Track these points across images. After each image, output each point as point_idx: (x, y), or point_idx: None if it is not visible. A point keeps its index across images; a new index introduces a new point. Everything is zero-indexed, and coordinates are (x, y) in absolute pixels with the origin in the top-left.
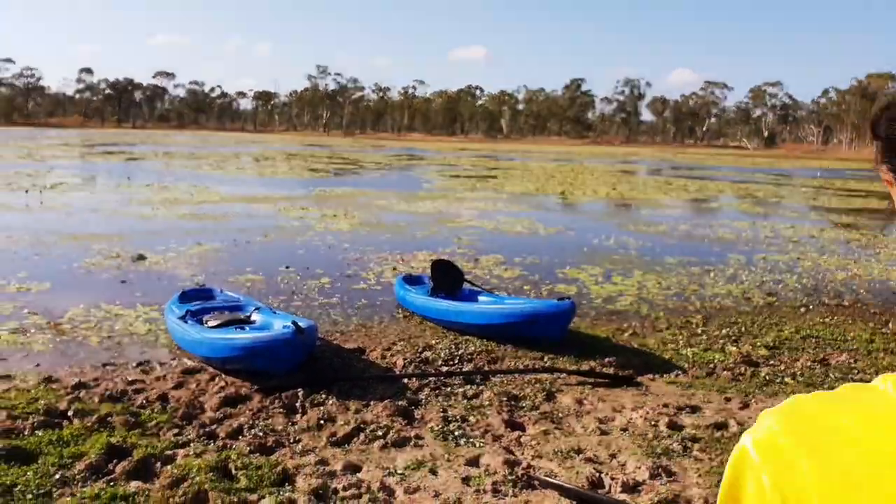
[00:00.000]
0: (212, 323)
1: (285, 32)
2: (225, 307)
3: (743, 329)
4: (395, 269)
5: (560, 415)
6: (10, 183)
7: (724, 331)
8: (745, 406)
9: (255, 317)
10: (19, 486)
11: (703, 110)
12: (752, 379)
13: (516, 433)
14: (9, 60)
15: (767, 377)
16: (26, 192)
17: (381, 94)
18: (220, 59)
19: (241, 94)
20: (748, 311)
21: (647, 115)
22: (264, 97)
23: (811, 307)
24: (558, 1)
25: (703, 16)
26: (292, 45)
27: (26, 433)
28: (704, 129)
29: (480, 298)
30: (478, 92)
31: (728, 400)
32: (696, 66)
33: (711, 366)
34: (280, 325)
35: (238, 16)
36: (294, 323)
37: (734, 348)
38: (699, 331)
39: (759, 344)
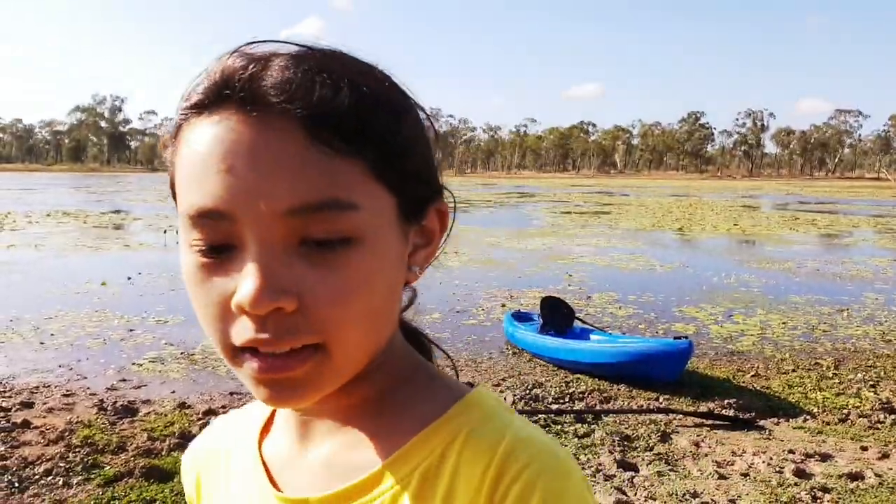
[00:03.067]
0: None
1: (400, 76)
2: None
3: (882, 373)
4: (503, 305)
5: (675, 457)
6: (150, 224)
7: (859, 375)
8: (885, 456)
9: None
10: (158, 502)
11: (835, 140)
12: (893, 427)
13: (629, 473)
14: (151, 112)
15: None
16: (164, 232)
17: (491, 133)
18: None
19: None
20: (888, 354)
21: (770, 148)
22: None
23: None
24: (674, 35)
25: (833, 40)
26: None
27: (163, 454)
28: (837, 160)
29: (592, 337)
30: (590, 128)
31: (864, 449)
32: (828, 94)
33: (845, 412)
34: None
35: None
36: None
37: (871, 394)
38: (830, 374)
39: None
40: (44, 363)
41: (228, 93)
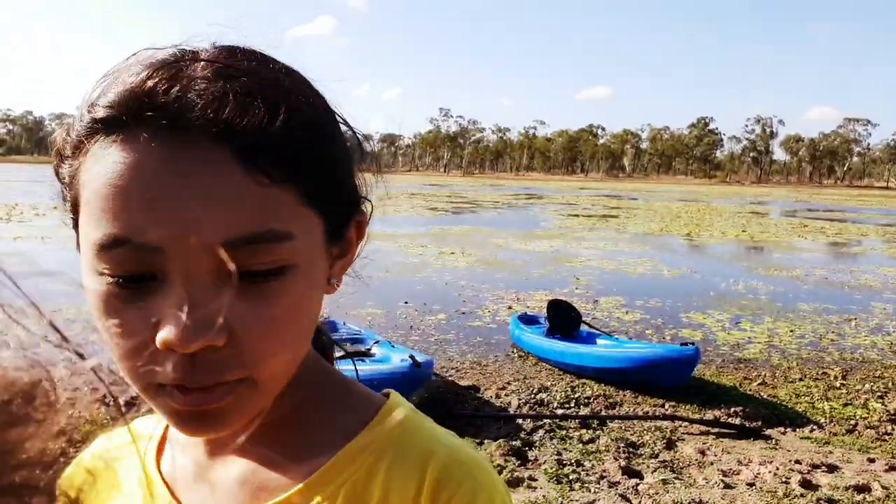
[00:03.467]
0: (335, 355)
1: (412, 77)
2: (347, 339)
3: (890, 384)
4: (510, 307)
5: (681, 464)
6: None
7: (867, 385)
8: (892, 468)
9: (374, 350)
10: None
11: (843, 148)
12: None
13: (633, 480)
14: None
15: None
16: None
17: (500, 134)
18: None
19: (367, 137)
20: None
21: (779, 154)
22: (389, 139)
23: None
24: (685, 41)
25: (843, 49)
26: (418, 90)
27: None
28: (846, 168)
29: (599, 341)
30: (599, 131)
31: (872, 461)
32: (837, 102)
33: (852, 422)
34: (398, 359)
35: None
36: (412, 357)
37: (879, 405)
38: (838, 384)
39: None
40: (47, 355)
41: (151, 114)
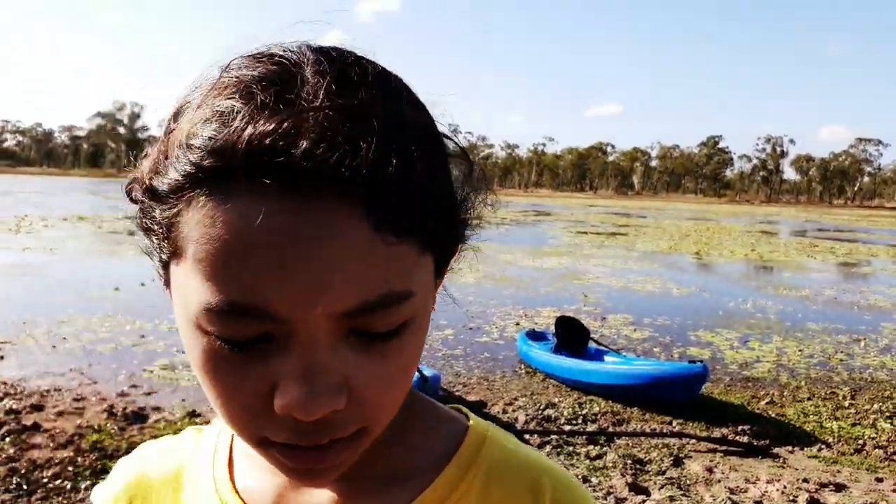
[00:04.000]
0: None
1: (419, 94)
2: None
3: None
4: (518, 323)
5: (688, 482)
6: None
7: (875, 405)
8: None
9: None
10: None
11: (854, 168)
12: None
13: (640, 497)
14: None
15: None
16: None
17: (509, 150)
18: None
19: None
20: None
21: (790, 174)
22: None
23: None
24: (697, 59)
25: (856, 68)
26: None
27: None
28: (856, 188)
29: (607, 358)
30: (609, 148)
31: (880, 481)
32: (849, 121)
33: (861, 442)
34: None
35: None
36: (419, 372)
37: (888, 425)
38: (846, 403)
39: None
40: (55, 366)
41: (271, 168)
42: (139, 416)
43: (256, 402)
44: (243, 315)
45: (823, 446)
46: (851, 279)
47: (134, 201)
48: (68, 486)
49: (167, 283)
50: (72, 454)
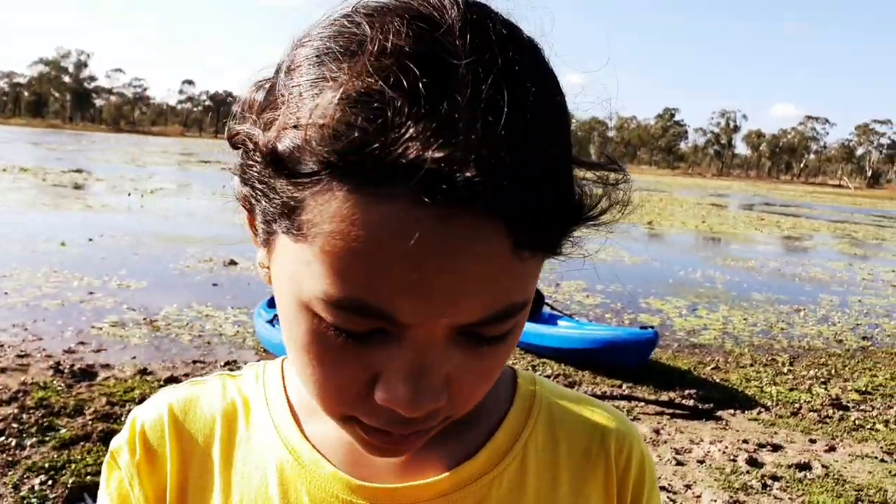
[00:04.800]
0: None
1: None
2: None
3: (833, 371)
4: None
5: None
6: (114, 186)
7: (812, 371)
8: (832, 449)
9: None
10: None
11: (802, 146)
12: (840, 423)
13: None
14: (119, 70)
15: (857, 422)
16: (129, 195)
17: None
18: None
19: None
20: (839, 353)
21: (742, 149)
22: None
23: None
24: (657, 33)
25: (809, 48)
26: None
27: (123, 419)
28: (802, 165)
29: (560, 323)
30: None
31: (813, 442)
32: (799, 101)
33: (797, 406)
34: None
35: None
36: None
37: (822, 390)
38: (785, 370)
39: (849, 388)
40: None
41: (419, 174)
42: (87, 374)
43: (355, 386)
44: (365, 314)
45: (763, 409)
46: (794, 252)
47: (235, 147)
48: (13, 443)
49: (266, 244)
50: (16, 411)
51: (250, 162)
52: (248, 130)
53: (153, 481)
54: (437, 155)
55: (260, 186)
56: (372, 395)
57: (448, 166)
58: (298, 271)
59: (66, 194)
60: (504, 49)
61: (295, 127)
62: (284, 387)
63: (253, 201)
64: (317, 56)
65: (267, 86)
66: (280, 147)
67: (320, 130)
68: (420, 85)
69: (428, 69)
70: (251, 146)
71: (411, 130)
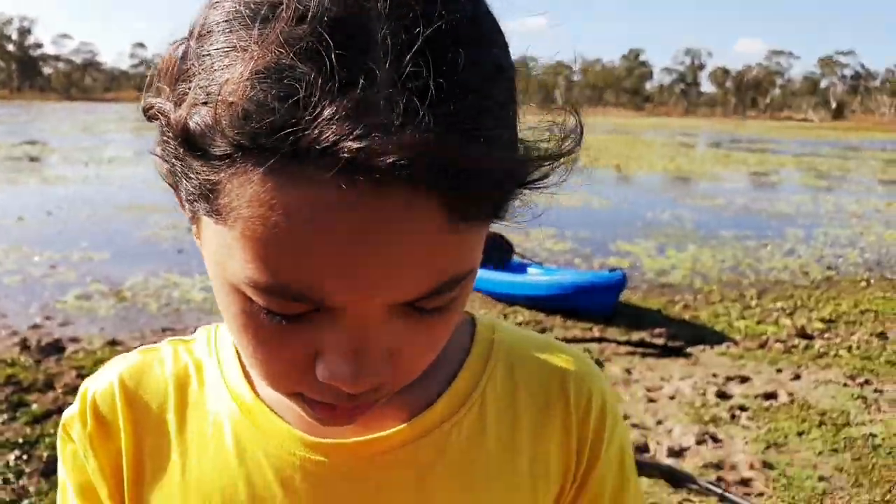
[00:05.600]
0: None
1: None
2: None
3: (799, 303)
4: None
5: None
6: (69, 157)
7: (778, 304)
8: (797, 377)
9: None
10: None
11: (767, 81)
12: (805, 351)
13: None
14: (66, 36)
15: (822, 350)
16: (85, 165)
17: None
18: None
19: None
20: (805, 285)
21: (707, 87)
22: None
23: (872, 282)
24: None
25: None
26: None
27: None
28: (767, 100)
29: (530, 270)
30: (531, 63)
31: (779, 371)
32: (764, 35)
33: (764, 338)
34: None
35: None
36: None
37: (789, 321)
38: (753, 304)
39: (814, 318)
40: None
41: (339, 153)
42: (55, 348)
43: (296, 365)
44: (293, 298)
45: (731, 344)
46: (761, 188)
47: (151, 120)
48: None
49: (193, 222)
50: None
51: (166, 139)
52: (161, 105)
53: (107, 451)
54: (356, 145)
55: (178, 165)
56: (314, 371)
57: (368, 153)
58: (223, 255)
59: (20, 168)
60: (431, 5)
61: (205, 104)
62: (236, 348)
63: (175, 179)
64: (227, 21)
65: (181, 52)
66: (191, 126)
67: (230, 109)
68: (334, 57)
69: (345, 37)
70: (164, 122)
71: (327, 111)
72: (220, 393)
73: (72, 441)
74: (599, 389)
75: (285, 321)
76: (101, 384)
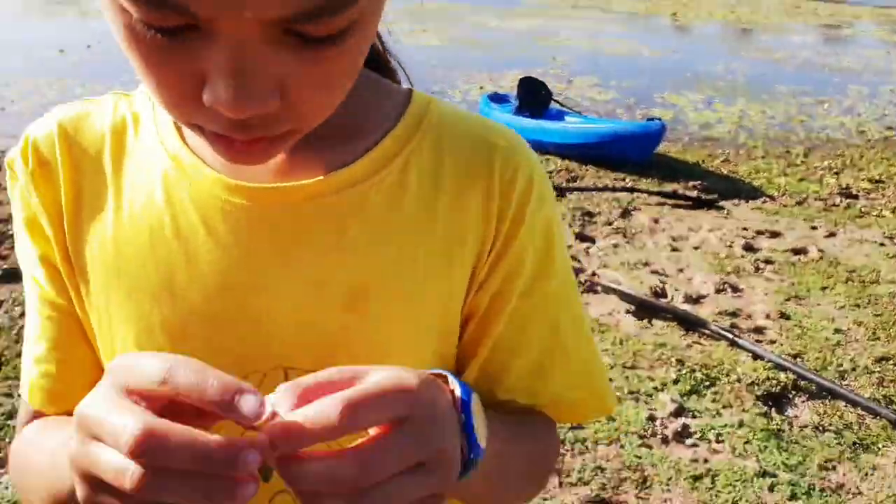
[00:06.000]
0: None
1: None
2: None
3: (848, 162)
4: (482, 87)
5: (633, 231)
6: None
7: (826, 162)
8: (832, 235)
9: None
10: None
11: None
12: (845, 210)
13: (585, 244)
14: None
15: (864, 209)
16: None
17: None
18: None
19: None
20: (859, 144)
21: None
22: None
23: None
24: None
25: None
26: None
27: None
28: None
29: (567, 118)
30: None
31: (814, 228)
32: None
33: (804, 195)
34: None
35: None
36: None
37: (833, 180)
38: (798, 161)
39: (862, 177)
40: (6, 128)
41: None
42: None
43: (186, 89)
44: (161, 6)
45: (768, 199)
46: (829, 42)
47: None
48: None
49: None
50: None
51: None
52: None
53: (47, 189)
54: None
55: None
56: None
57: None
58: None
59: (59, 0)
60: None
61: None
62: None
63: None
64: None
65: None
66: None
67: None
68: None
69: None
70: None
71: None
72: (152, 143)
73: (17, 178)
74: (528, 165)
75: (163, 36)
76: (42, 129)
